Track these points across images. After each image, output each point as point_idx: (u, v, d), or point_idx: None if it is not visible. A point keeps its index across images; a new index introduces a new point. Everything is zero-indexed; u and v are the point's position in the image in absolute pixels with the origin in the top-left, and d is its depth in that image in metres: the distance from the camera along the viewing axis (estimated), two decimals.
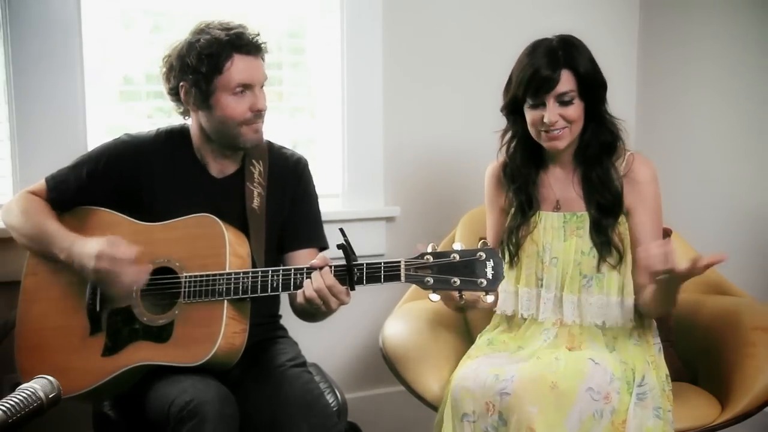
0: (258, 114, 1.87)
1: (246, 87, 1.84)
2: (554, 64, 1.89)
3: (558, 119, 1.89)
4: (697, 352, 2.20)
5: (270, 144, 2.04)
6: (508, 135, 2.05)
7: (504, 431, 1.73)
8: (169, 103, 1.97)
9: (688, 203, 2.88)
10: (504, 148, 2.06)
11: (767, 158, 2.68)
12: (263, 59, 1.91)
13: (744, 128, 2.77)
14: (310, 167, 2.07)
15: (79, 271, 1.81)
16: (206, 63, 1.81)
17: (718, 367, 2.09)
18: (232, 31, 1.84)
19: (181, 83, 1.86)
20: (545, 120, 1.89)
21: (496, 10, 2.89)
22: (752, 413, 1.94)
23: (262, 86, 1.89)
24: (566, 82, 1.89)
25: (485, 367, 1.83)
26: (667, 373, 1.95)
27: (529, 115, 1.94)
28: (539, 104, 1.91)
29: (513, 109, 1.99)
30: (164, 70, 1.90)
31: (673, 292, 1.79)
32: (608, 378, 1.79)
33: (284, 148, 2.06)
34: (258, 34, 1.88)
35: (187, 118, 1.96)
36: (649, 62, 3.12)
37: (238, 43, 1.83)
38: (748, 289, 2.34)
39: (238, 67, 1.83)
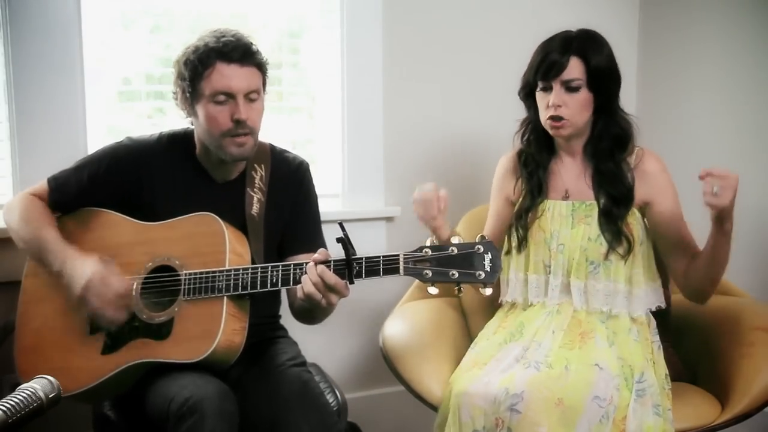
0: (240, 125, 1.82)
1: (228, 96, 1.80)
2: (565, 49, 1.96)
3: (562, 104, 1.94)
4: (696, 352, 2.20)
5: (272, 147, 2.03)
6: (526, 122, 2.11)
7: None
8: (168, 104, 1.97)
9: (688, 203, 2.85)
10: (519, 135, 2.12)
11: (767, 158, 2.69)
12: (260, 70, 1.86)
13: (744, 128, 2.77)
14: (310, 168, 2.07)
15: (66, 289, 1.80)
16: (190, 68, 1.80)
17: (718, 367, 2.09)
18: (222, 39, 1.80)
19: (176, 88, 1.87)
20: (549, 103, 1.96)
21: (495, 11, 2.89)
22: (752, 413, 1.94)
23: (249, 97, 1.82)
24: (574, 69, 1.95)
25: (495, 376, 1.83)
26: (667, 372, 1.95)
27: (539, 99, 2.01)
28: (547, 88, 1.97)
29: (527, 94, 2.05)
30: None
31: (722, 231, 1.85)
32: (612, 381, 1.80)
33: (286, 151, 2.06)
34: (252, 45, 1.83)
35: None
36: (649, 62, 3.12)
37: (224, 50, 1.79)
38: (748, 289, 2.34)
39: (219, 75, 1.79)
